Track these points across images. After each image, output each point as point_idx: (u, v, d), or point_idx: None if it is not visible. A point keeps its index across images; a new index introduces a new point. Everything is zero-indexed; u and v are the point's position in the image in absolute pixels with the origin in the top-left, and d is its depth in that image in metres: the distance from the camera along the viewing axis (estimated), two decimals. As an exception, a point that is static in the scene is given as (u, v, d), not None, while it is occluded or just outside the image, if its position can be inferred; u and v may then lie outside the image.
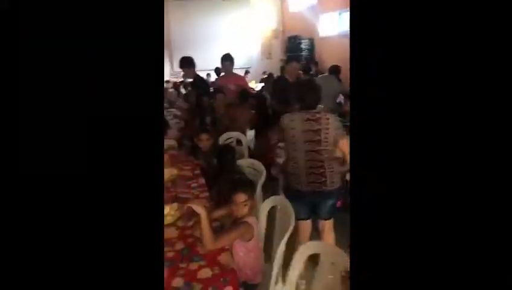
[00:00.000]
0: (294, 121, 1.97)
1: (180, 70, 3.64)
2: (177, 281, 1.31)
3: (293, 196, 1.97)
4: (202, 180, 2.30)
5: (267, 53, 8.45)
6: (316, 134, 1.92)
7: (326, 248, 1.49)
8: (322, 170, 1.96)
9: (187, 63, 3.47)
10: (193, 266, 1.40)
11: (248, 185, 1.63)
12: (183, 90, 6.10)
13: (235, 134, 3.21)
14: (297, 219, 1.96)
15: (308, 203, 2.05)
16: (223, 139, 3.09)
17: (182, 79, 7.77)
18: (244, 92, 3.69)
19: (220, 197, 2.22)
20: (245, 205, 1.57)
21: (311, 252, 1.43)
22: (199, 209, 1.45)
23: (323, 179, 1.96)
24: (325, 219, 2.09)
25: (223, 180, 2.22)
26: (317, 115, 1.94)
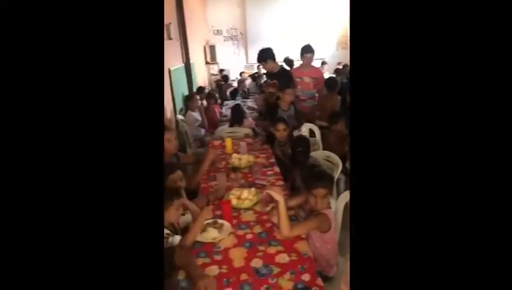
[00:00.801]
0: None
1: (257, 62, 3.62)
2: (256, 262, 1.37)
3: None
4: (277, 169, 2.34)
5: (343, 43, 8.13)
6: None
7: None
8: None
9: (267, 55, 3.30)
10: (271, 250, 1.45)
11: (328, 179, 1.62)
12: (258, 81, 6.21)
13: (308, 125, 3.19)
14: None
15: None
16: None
17: (256, 70, 7.95)
18: (332, 81, 3.66)
19: (294, 187, 2.25)
20: (324, 198, 1.57)
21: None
22: (278, 196, 1.48)
23: None
24: None
25: (297, 170, 2.24)
26: None
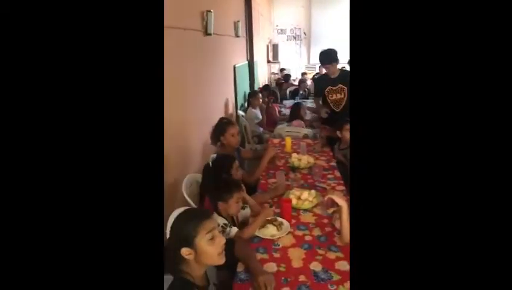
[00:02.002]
0: None
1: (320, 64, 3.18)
2: (315, 265, 1.34)
3: None
4: (338, 173, 2.27)
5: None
6: None
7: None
8: None
9: (333, 58, 2.94)
10: (331, 255, 1.40)
11: None
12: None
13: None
14: None
15: None
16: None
17: (317, 71, 7.81)
18: None
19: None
20: None
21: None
22: (341, 201, 1.43)
23: None
24: None
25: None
26: None
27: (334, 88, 2.96)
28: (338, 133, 2.55)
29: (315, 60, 8.88)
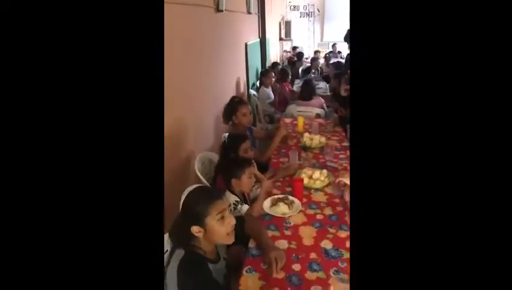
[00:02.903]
0: None
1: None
2: (326, 243, 1.35)
3: None
4: (349, 153, 2.26)
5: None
6: None
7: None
8: None
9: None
10: (341, 233, 1.41)
11: None
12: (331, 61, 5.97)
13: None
14: None
15: None
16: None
17: (331, 49, 7.63)
18: None
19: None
20: None
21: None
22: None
23: None
24: None
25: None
26: None
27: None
28: (342, 110, 2.51)
29: (328, 37, 8.66)
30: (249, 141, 1.97)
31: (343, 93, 2.81)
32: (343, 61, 5.32)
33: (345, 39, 2.86)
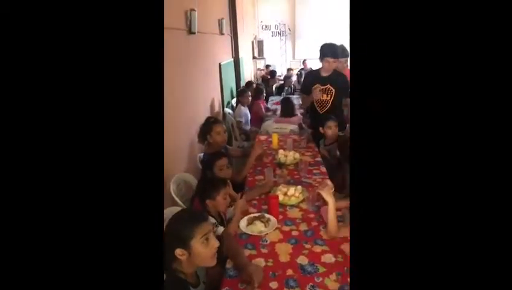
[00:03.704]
0: None
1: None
2: (302, 259, 1.38)
3: None
4: (323, 168, 2.32)
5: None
6: None
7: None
8: None
9: (335, 52, 2.70)
10: (317, 248, 1.45)
11: None
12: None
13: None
14: None
15: None
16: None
17: (302, 66, 7.87)
18: None
19: (341, 187, 2.21)
20: None
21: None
22: (329, 197, 1.49)
23: None
24: None
25: (345, 171, 2.20)
26: None
27: (322, 87, 2.75)
28: (321, 129, 2.60)
29: (300, 55, 8.95)
30: (225, 158, 1.99)
31: (315, 96, 2.75)
32: None
33: (322, 53, 2.73)
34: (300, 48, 9.05)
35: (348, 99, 2.76)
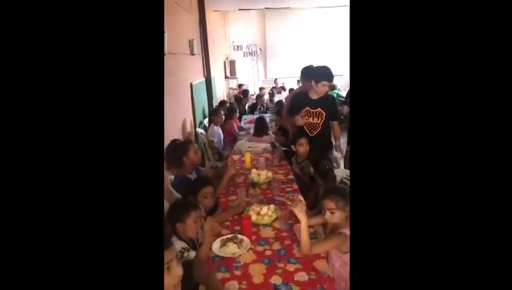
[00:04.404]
0: None
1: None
2: (275, 279, 1.38)
3: None
4: (295, 186, 2.35)
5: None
6: None
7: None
8: None
9: (323, 75, 2.65)
10: (290, 267, 1.45)
11: (339, 194, 1.60)
12: (276, 98, 6.29)
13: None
14: None
15: None
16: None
17: (274, 85, 8.05)
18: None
19: (313, 204, 2.25)
20: (332, 213, 1.56)
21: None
22: (301, 215, 1.51)
23: None
24: None
25: (318, 188, 2.25)
26: None
27: (312, 110, 2.69)
28: (292, 147, 2.65)
29: (272, 74, 9.17)
30: (211, 186, 1.96)
31: (299, 122, 2.72)
32: (283, 99, 5.61)
33: (329, 78, 2.67)
34: (271, 67, 9.28)
35: (336, 122, 2.80)
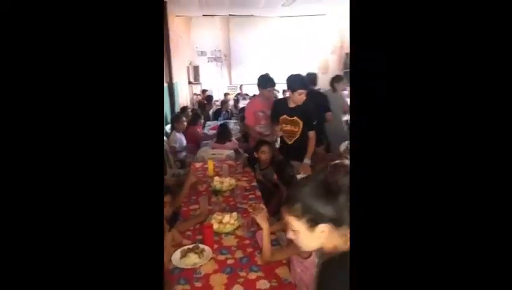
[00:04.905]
0: None
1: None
2: (237, 288, 1.37)
3: None
4: (258, 193, 2.36)
5: (324, 68, 8.43)
6: None
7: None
8: None
9: (297, 84, 2.64)
10: (252, 275, 1.45)
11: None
12: (240, 105, 6.31)
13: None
14: None
15: None
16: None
17: (239, 91, 8.07)
18: None
19: (276, 211, 2.27)
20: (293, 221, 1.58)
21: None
22: (263, 222, 1.51)
23: None
24: None
25: (281, 195, 2.27)
26: None
27: (289, 118, 2.71)
28: (255, 154, 2.66)
29: (237, 80, 9.20)
30: (168, 195, 1.90)
31: (277, 134, 2.79)
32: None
33: (294, 86, 2.65)
34: (236, 73, 9.31)
35: (312, 133, 2.70)
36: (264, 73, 3.23)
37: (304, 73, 3.17)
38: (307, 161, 2.64)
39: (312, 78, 3.74)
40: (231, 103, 6.74)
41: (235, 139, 3.96)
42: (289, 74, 2.70)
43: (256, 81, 3.18)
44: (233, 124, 5.11)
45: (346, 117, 4.18)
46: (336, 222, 0.84)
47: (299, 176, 2.51)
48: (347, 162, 0.85)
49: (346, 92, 4.45)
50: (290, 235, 0.94)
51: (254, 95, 5.14)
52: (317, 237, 0.87)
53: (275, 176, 2.44)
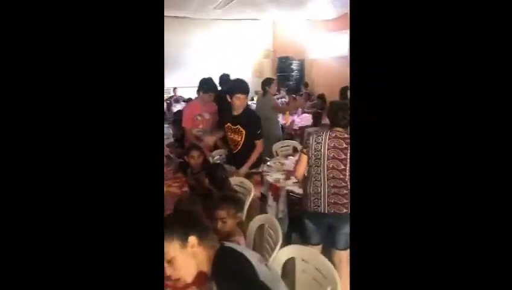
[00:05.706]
0: (321, 137, 1.87)
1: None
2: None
3: (310, 217, 1.91)
4: (190, 198, 2.29)
5: (258, 72, 8.60)
6: (342, 152, 1.82)
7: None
8: (345, 191, 1.83)
9: (237, 88, 2.52)
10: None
11: (230, 202, 1.62)
12: (174, 108, 6.13)
13: (222, 151, 3.19)
14: (307, 243, 1.90)
15: (324, 228, 1.91)
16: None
17: (172, 94, 7.82)
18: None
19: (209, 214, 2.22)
20: (224, 222, 1.57)
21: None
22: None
23: (345, 201, 1.82)
24: (342, 249, 1.87)
25: (213, 198, 2.22)
26: (346, 134, 1.85)
27: (233, 127, 2.57)
28: (186, 158, 2.59)
29: (171, 83, 8.92)
30: None
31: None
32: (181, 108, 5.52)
33: (231, 91, 2.52)
34: (170, 76, 9.02)
35: (259, 142, 2.55)
36: (207, 77, 3.14)
37: (236, 76, 3.13)
38: (243, 169, 2.54)
39: (225, 78, 3.73)
40: (164, 106, 6.50)
41: (166, 144, 3.81)
42: (204, 76, 2.74)
43: (191, 84, 3.09)
44: (165, 128, 4.92)
45: (280, 118, 4.29)
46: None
47: (231, 179, 2.50)
48: None
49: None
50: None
51: (190, 99, 5.03)
52: None
53: (207, 180, 2.39)
